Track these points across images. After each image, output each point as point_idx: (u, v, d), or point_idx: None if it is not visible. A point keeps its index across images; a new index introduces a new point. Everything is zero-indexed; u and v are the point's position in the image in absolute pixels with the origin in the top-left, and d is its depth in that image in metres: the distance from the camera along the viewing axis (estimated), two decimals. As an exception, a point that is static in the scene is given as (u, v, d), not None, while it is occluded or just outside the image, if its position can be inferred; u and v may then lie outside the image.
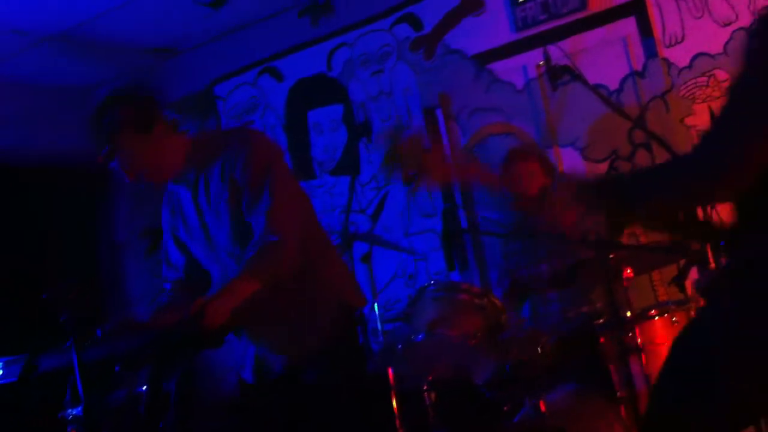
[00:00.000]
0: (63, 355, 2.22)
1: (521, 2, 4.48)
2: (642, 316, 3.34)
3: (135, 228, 5.70)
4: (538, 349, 3.30)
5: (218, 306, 2.34)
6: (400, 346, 3.44)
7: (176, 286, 2.89)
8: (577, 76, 3.50)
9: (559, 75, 3.53)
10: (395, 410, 3.55)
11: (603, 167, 4.40)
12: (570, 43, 4.38)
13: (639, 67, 4.27)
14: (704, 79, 4.14)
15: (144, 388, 2.42)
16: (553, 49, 3.83)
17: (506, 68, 4.60)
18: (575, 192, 1.91)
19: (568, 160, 4.49)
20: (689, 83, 4.18)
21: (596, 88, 3.94)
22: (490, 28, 4.62)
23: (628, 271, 3.26)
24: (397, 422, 3.59)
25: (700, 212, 2.57)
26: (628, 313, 3.28)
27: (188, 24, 5.11)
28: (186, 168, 2.71)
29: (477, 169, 2.11)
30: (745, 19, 3.98)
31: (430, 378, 3.48)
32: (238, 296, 2.42)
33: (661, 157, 4.10)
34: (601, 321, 3.39)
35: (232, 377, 2.88)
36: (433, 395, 3.56)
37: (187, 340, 2.26)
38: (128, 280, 5.79)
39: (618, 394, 3.27)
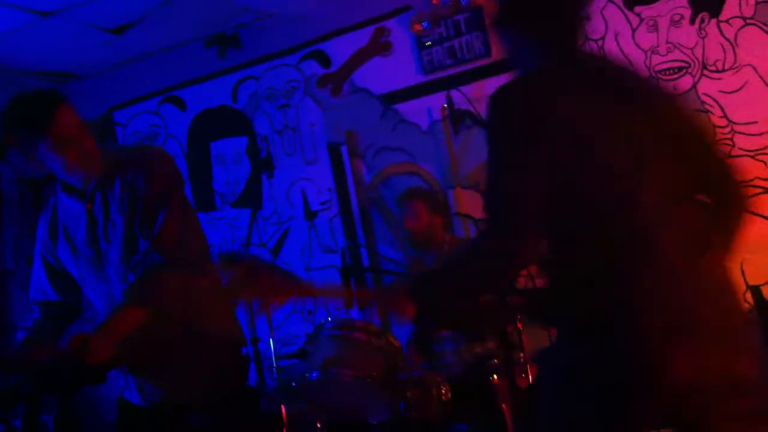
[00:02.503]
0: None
1: (428, 46, 4.56)
2: (533, 358, 3.39)
3: (21, 254, 5.48)
4: (434, 389, 3.32)
5: (102, 340, 2.24)
6: (294, 384, 3.39)
7: (44, 310, 2.77)
8: (478, 121, 3.58)
9: (461, 119, 3.61)
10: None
11: (502, 210, 4.47)
12: (474, 88, 4.47)
13: (539, 115, 4.38)
14: (600, 129, 4.28)
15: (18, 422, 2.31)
16: (456, 94, 3.91)
17: (412, 109, 4.66)
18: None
19: (470, 202, 4.56)
20: (585, 132, 4.30)
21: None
22: (398, 69, 4.68)
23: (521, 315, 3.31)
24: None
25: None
26: (521, 355, 3.33)
27: (90, 49, 4.97)
28: (87, 177, 2.62)
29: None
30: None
31: (324, 417, 3.45)
32: (123, 328, 2.33)
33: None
34: (495, 362, 3.43)
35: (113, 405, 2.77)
36: (326, 432, 3.53)
37: (68, 375, 2.16)
38: (14, 308, 5.54)
39: (509, 435, 3.30)
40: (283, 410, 3.63)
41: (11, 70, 4.91)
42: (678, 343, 1.69)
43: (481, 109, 4.36)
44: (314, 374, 3.22)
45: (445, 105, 3.92)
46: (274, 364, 3.84)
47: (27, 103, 2.49)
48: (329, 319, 3.78)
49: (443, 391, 3.35)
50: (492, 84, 4.47)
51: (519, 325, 3.35)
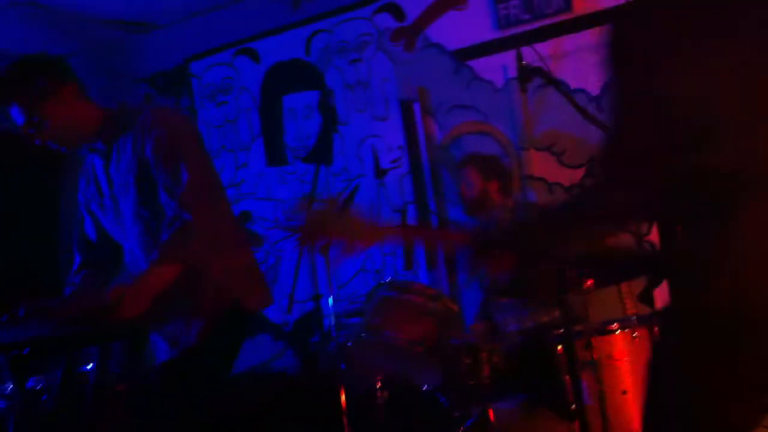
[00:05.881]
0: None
1: (505, -1, 4.38)
2: (599, 330, 3.24)
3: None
4: (489, 357, 3.22)
5: (136, 294, 2.26)
6: (350, 344, 3.36)
7: (88, 262, 2.82)
8: (549, 80, 3.40)
9: (530, 77, 3.43)
10: (344, 407, 3.47)
11: (579, 173, 4.30)
12: (553, 45, 4.27)
13: (621, 74, 4.16)
14: (687, 90, 4.04)
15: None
16: (529, 51, 3.73)
17: (486, 66, 4.49)
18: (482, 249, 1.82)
19: (544, 165, 4.39)
20: (671, 94, 4.08)
21: (574, 93, 3.86)
22: (472, 24, 4.50)
23: (589, 283, 3.16)
24: (345, 419, 3.50)
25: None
26: (585, 327, 3.19)
27: (166, -2, 4.98)
28: (98, 137, 2.65)
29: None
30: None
31: (379, 378, 3.40)
32: (157, 284, 2.35)
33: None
34: (559, 332, 3.29)
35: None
36: (386, 394, 3.48)
37: (104, 328, 2.16)
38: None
39: (570, 408, 3.18)
40: (340, 369, 3.59)
41: (85, 17, 4.93)
42: None
43: (562, 67, 4.17)
44: (368, 335, 3.17)
45: (523, 62, 3.75)
46: (333, 323, 3.80)
47: (42, 62, 2.58)
48: (387, 280, 3.71)
49: (502, 359, 3.25)
50: (572, 41, 4.26)
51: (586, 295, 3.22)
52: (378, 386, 3.43)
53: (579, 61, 4.24)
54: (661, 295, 4.11)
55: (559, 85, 3.44)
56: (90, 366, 2.33)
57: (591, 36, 4.23)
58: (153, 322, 2.55)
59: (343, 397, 3.48)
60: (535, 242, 1.74)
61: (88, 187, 2.79)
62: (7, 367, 2.27)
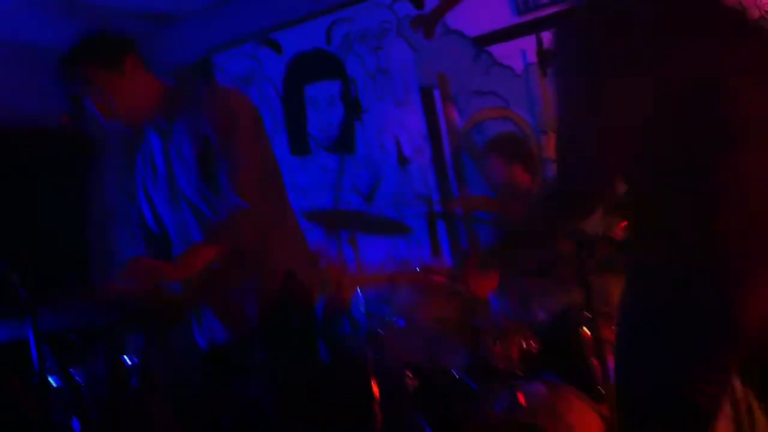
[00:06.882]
0: (17, 324, 2.18)
1: (523, -17, 4.39)
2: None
3: (125, 194, 5.66)
4: (519, 339, 3.26)
5: (173, 270, 2.32)
6: (380, 331, 3.41)
7: (146, 238, 2.88)
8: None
9: (550, 61, 3.45)
10: (375, 394, 3.52)
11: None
12: (571, 29, 4.28)
13: (640, 57, 4.17)
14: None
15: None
16: (549, 36, 3.75)
17: (506, 52, 4.51)
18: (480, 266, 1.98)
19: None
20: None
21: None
22: (492, 10, 4.52)
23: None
24: (376, 406, 3.56)
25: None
26: (609, 307, 3.22)
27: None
28: (158, 112, 2.69)
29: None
30: (754, 14, 3.88)
31: (407, 362, 3.45)
32: (195, 263, 2.42)
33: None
34: (584, 313, 3.33)
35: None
36: (415, 380, 3.53)
37: (143, 312, 2.22)
38: (118, 247, 5.75)
39: (597, 389, 3.22)
40: (371, 356, 3.64)
41: (109, 10, 4.99)
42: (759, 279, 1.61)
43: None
44: (394, 319, 3.24)
45: (543, 47, 3.79)
46: (363, 311, 3.85)
47: (108, 38, 2.62)
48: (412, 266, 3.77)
49: (526, 342, 3.30)
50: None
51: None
52: (407, 372, 3.49)
53: (599, 45, 4.25)
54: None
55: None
56: (130, 358, 2.39)
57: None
58: (201, 304, 2.62)
59: (374, 386, 3.53)
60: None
61: (145, 166, 2.84)
62: (53, 357, 2.34)
